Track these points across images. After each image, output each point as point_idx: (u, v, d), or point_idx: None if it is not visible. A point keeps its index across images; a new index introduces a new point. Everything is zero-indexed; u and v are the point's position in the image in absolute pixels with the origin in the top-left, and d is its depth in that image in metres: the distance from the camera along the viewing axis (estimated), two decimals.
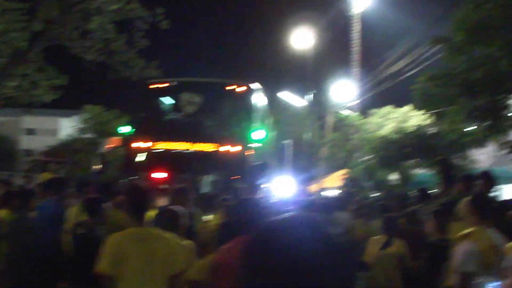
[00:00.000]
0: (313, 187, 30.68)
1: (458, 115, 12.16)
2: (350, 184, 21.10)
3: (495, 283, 5.00)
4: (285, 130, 41.52)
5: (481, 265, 4.50)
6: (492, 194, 6.92)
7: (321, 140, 32.23)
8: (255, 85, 13.87)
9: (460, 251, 4.65)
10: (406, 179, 19.23)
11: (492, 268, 4.37)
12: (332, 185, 28.10)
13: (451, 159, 16.63)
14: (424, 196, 8.52)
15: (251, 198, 5.15)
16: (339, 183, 24.54)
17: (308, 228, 1.31)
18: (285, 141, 39.16)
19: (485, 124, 12.24)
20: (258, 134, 13.03)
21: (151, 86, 14.51)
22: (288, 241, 1.27)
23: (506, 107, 11.89)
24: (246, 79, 14.21)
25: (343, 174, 24.76)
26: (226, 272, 4.01)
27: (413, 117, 21.13)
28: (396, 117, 23.53)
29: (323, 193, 26.00)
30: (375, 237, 7.26)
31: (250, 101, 13.55)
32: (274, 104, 41.53)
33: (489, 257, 4.54)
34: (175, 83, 14.36)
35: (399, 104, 23.63)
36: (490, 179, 7.26)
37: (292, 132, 40.55)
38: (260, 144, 13.72)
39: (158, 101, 14.22)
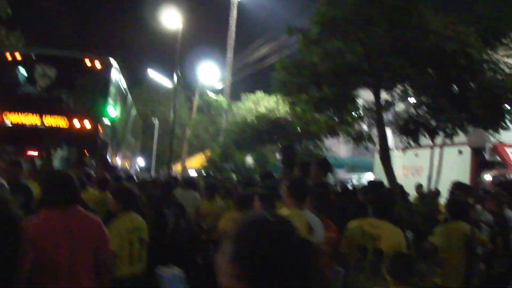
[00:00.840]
0: (177, 167, 30.88)
1: (307, 104, 12.76)
2: (209, 165, 21.49)
3: (171, 273, 5.81)
4: (153, 109, 41.32)
5: None
6: (354, 181, 7.32)
7: (188, 121, 32.48)
8: (112, 61, 13.68)
9: None
10: (262, 162, 19.89)
11: None
12: (194, 165, 28.45)
13: (304, 146, 17.52)
14: (265, 179, 8.93)
15: (66, 173, 5.04)
16: (201, 164, 24.89)
17: None
18: (152, 120, 38.98)
19: (330, 114, 12.95)
20: (114, 111, 12.90)
21: (5, 56, 13.84)
22: None
23: (350, 100, 12.62)
24: (106, 55, 13.95)
25: (205, 155, 25.11)
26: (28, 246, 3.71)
27: (281, 104, 21.76)
28: (267, 103, 24.27)
29: (186, 173, 26.33)
30: (229, 213, 7.37)
31: (106, 77, 13.35)
32: (140, 82, 41.17)
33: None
34: (30, 54, 13.79)
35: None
36: (323, 166, 7.76)
37: (160, 112, 40.44)
38: (116, 121, 13.61)
39: (11, 72, 13.60)
